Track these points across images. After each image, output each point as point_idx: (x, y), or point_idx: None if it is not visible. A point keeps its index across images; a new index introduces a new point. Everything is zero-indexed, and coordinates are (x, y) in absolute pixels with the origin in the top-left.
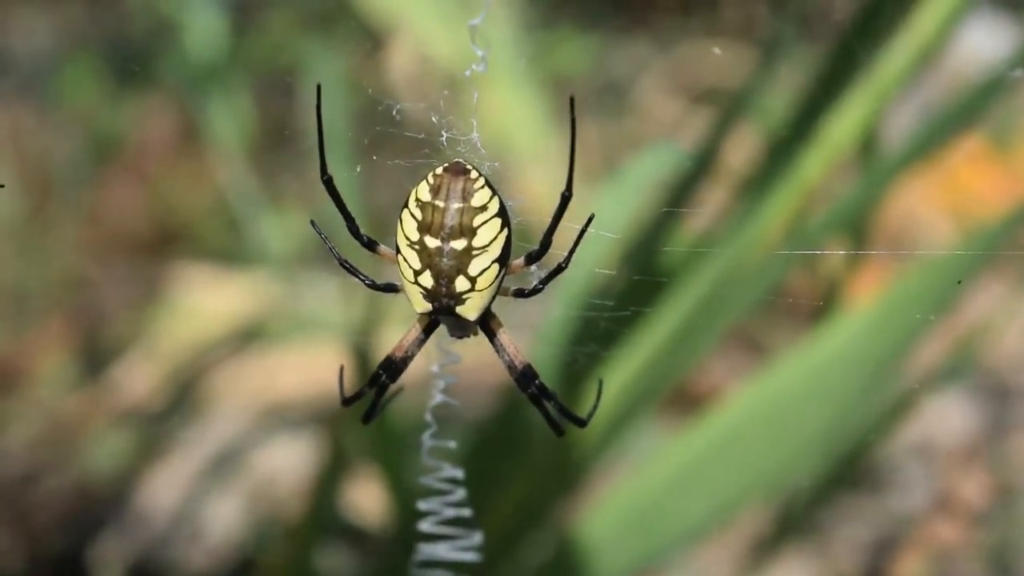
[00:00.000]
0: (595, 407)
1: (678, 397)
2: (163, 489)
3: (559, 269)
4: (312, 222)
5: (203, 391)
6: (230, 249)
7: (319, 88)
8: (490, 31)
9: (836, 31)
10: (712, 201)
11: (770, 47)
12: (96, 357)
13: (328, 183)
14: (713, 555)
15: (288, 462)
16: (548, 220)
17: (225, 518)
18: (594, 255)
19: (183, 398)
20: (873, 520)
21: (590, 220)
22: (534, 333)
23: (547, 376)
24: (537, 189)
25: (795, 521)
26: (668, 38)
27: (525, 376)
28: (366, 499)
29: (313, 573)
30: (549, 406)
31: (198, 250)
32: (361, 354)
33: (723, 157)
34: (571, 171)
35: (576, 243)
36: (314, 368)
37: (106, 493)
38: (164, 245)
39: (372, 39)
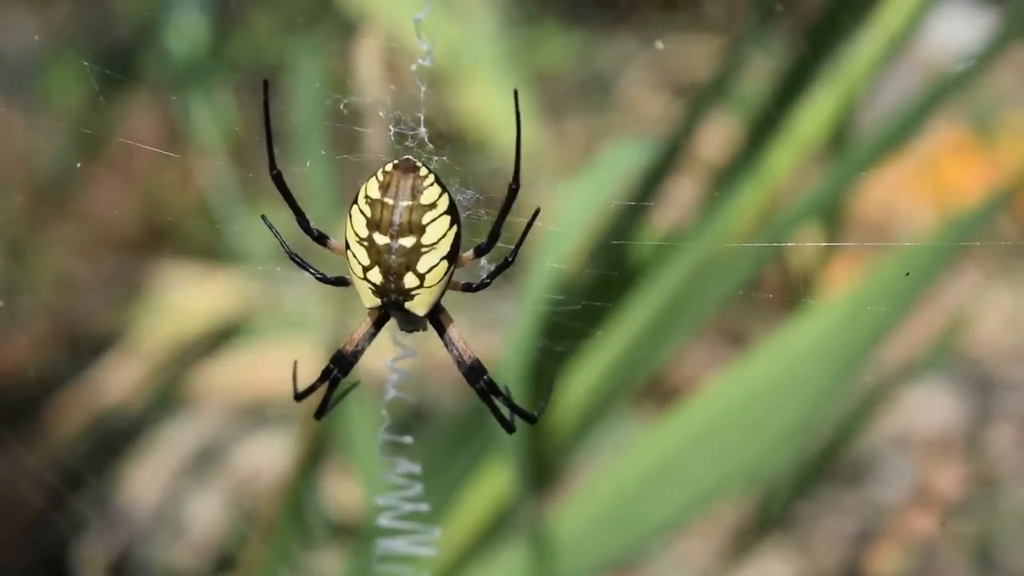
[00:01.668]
0: (545, 404)
1: (658, 390)
2: (145, 487)
3: (506, 263)
4: (263, 217)
5: (185, 388)
6: (214, 247)
7: (265, 84)
8: (472, 27)
9: (809, 20)
10: (685, 193)
11: (738, 38)
12: (80, 354)
13: (276, 178)
14: (694, 547)
15: (269, 458)
16: (523, 214)
17: (207, 515)
18: (562, 251)
19: (165, 396)
20: (854, 512)
21: (536, 214)
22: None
23: (516, 372)
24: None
25: (775, 513)
26: (652, 33)
27: (474, 371)
28: (343, 494)
29: (289, 569)
30: (498, 402)
31: (183, 248)
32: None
33: (696, 149)
34: (517, 164)
35: (522, 238)
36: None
37: (88, 491)
38: (150, 243)
39: (350, 35)
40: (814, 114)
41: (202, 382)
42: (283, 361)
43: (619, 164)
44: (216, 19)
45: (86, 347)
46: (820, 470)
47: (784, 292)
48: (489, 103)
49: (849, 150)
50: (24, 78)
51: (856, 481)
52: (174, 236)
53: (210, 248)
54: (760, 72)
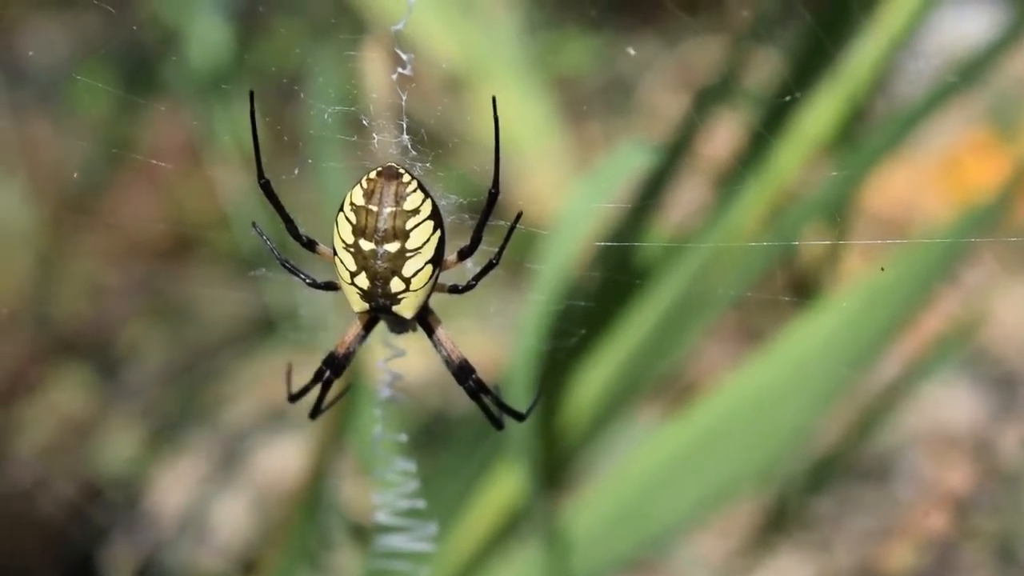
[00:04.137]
0: (534, 403)
1: (672, 388)
2: (172, 490)
3: (490, 266)
4: (253, 224)
5: (211, 393)
6: (238, 254)
7: (251, 95)
8: (495, 31)
9: (815, 16)
10: (695, 192)
11: (743, 38)
12: (109, 362)
13: (265, 186)
14: (712, 545)
15: (293, 462)
16: (551, 215)
17: (232, 518)
18: (567, 252)
19: (191, 400)
20: (873, 509)
21: (518, 217)
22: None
23: (523, 371)
24: (541, 185)
25: (793, 511)
26: (674, 36)
27: (463, 370)
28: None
29: (307, 570)
30: (487, 400)
31: (209, 256)
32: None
33: (703, 149)
34: (497, 169)
35: (506, 240)
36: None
37: (116, 495)
38: (177, 251)
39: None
40: (822, 110)
41: (228, 387)
42: (305, 365)
43: (625, 166)
44: (240, 27)
45: (113, 354)
46: (838, 468)
47: (797, 289)
48: (511, 107)
49: (859, 146)
50: (52, 88)
51: (875, 478)
52: (200, 244)
53: (234, 255)
54: (768, 70)
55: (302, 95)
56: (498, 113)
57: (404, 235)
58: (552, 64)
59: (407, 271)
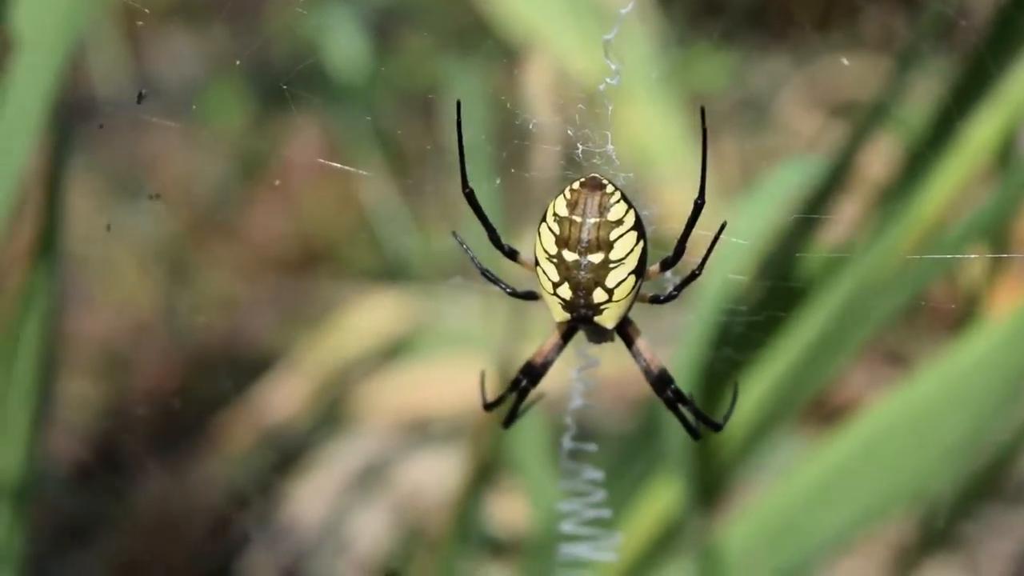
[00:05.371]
0: (730, 412)
1: (819, 410)
2: (310, 503)
3: (692, 276)
4: (454, 233)
5: (349, 406)
6: (375, 267)
7: (459, 104)
8: (627, 48)
9: (972, 40)
10: (849, 213)
11: (903, 58)
12: (245, 374)
13: (469, 196)
14: (858, 567)
15: (433, 475)
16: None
17: (371, 531)
18: (733, 263)
19: (330, 414)
20: (1020, 533)
21: (722, 228)
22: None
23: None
24: (675, 201)
25: (939, 533)
26: (807, 53)
27: (661, 380)
28: (509, 512)
29: None
30: (685, 410)
31: (344, 268)
32: (503, 366)
33: (859, 169)
34: (703, 179)
35: (709, 250)
36: (457, 382)
37: (255, 508)
38: (310, 264)
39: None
40: (981, 131)
41: (367, 400)
42: (446, 379)
43: (789, 181)
44: (373, 40)
45: (250, 367)
46: (986, 490)
47: (947, 312)
48: (648, 124)
49: (1013, 168)
50: (184, 101)
51: (1022, 502)
52: (335, 256)
53: (372, 267)
54: (922, 91)
55: (507, 105)
56: (640, 132)
57: (608, 246)
58: (685, 82)
59: (610, 282)
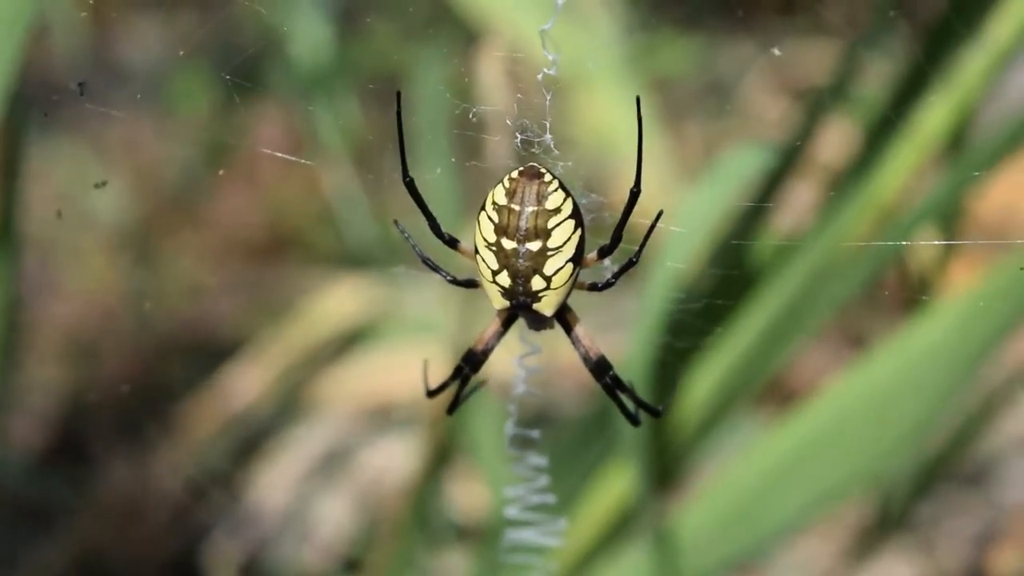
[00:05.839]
0: (671, 399)
1: (777, 392)
2: (273, 490)
3: (630, 263)
4: (395, 221)
5: (311, 393)
6: (338, 253)
7: (399, 95)
8: (592, 34)
9: (925, 23)
10: (803, 197)
11: (854, 42)
12: (209, 361)
13: (409, 184)
14: (815, 549)
15: (395, 461)
16: (646, 216)
17: (334, 517)
18: (684, 251)
19: (292, 400)
20: (976, 513)
21: (659, 216)
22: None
23: (639, 369)
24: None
25: (897, 515)
26: (772, 38)
27: (600, 367)
28: (468, 496)
29: (415, 570)
30: (624, 397)
31: (309, 255)
32: (457, 351)
33: (815, 152)
34: (639, 168)
35: (646, 238)
36: (419, 369)
37: (217, 494)
38: (276, 250)
39: (470, 43)
40: (932, 116)
41: (329, 387)
42: (407, 365)
43: (740, 168)
44: (339, 26)
45: (214, 353)
46: (942, 472)
47: (902, 294)
48: (610, 109)
49: (967, 152)
50: (151, 88)
51: (978, 483)
52: (300, 243)
53: (335, 254)
54: (877, 75)
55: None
56: (605, 117)
57: (546, 234)
58: (649, 67)
59: (548, 269)
